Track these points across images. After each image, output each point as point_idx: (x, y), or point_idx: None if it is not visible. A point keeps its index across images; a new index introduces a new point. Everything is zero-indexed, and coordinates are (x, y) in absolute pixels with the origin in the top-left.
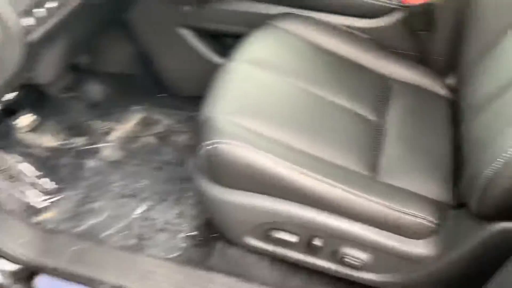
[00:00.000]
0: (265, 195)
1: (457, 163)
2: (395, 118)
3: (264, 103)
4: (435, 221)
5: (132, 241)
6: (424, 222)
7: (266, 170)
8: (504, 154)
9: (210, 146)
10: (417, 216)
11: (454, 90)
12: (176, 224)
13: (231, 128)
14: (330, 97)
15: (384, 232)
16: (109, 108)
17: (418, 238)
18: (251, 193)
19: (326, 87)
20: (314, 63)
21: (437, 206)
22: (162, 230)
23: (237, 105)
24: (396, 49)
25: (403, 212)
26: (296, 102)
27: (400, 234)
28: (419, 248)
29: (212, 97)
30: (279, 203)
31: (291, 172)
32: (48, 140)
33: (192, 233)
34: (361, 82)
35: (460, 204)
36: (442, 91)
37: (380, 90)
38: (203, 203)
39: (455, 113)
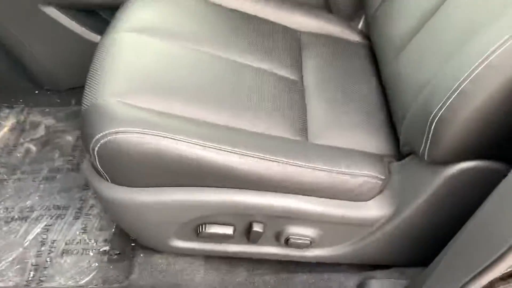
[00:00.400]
0: (184, 187)
1: (391, 110)
2: (313, 74)
3: (164, 76)
4: (382, 177)
5: (30, 274)
6: (371, 180)
7: (178, 156)
8: (452, 91)
9: (103, 140)
10: (362, 175)
11: (367, 35)
12: (81, 242)
13: (125, 112)
14: (241, 59)
15: (329, 201)
16: None
17: (367, 199)
18: (166, 187)
19: (235, 49)
20: (216, 24)
21: (381, 160)
22: (65, 252)
23: (127, 83)
24: None
25: (347, 174)
26: (203, 70)
27: (347, 199)
28: (370, 209)
29: (94, 79)
30: (203, 192)
31: (209, 152)
32: None
33: (104, 248)
34: (272, 39)
35: (405, 154)
36: (356, 38)
37: (292, 45)
38: (109, 211)
39: (374, 59)
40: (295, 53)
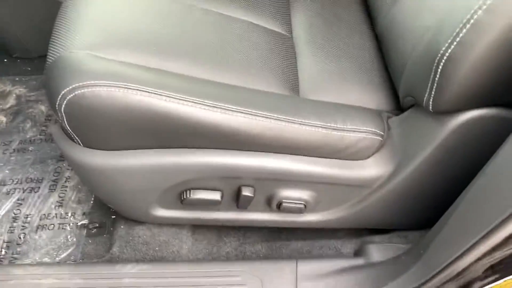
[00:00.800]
0: (164, 149)
1: (388, 62)
2: (303, 27)
3: (138, 28)
4: (380, 133)
5: (1, 252)
6: (369, 136)
7: (155, 112)
8: (464, 24)
9: (70, 95)
10: (360, 130)
11: None
12: (57, 216)
13: (95, 65)
14: (224, 11)
15: (324, 160)
16: None
17: (364, 157)
18: (145, 150)
19: (218, 0)
20: None
21: (379, 115)
22: (40, 227)
23: (98, 34)
24: None
25: (343, 130)
26: (182, 22)
27: (343, 158)
28: (368, 168)
29: (61, 30)
30: (186, 154)
31: (190, 108)
32: None
33: (82, 222)
34: None
35: (406, 107)
36: None
37: None
38: (83, 179)
39: (366, 12)
40: (284, 5)
